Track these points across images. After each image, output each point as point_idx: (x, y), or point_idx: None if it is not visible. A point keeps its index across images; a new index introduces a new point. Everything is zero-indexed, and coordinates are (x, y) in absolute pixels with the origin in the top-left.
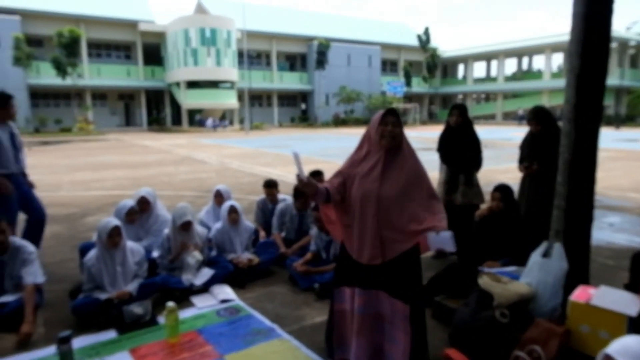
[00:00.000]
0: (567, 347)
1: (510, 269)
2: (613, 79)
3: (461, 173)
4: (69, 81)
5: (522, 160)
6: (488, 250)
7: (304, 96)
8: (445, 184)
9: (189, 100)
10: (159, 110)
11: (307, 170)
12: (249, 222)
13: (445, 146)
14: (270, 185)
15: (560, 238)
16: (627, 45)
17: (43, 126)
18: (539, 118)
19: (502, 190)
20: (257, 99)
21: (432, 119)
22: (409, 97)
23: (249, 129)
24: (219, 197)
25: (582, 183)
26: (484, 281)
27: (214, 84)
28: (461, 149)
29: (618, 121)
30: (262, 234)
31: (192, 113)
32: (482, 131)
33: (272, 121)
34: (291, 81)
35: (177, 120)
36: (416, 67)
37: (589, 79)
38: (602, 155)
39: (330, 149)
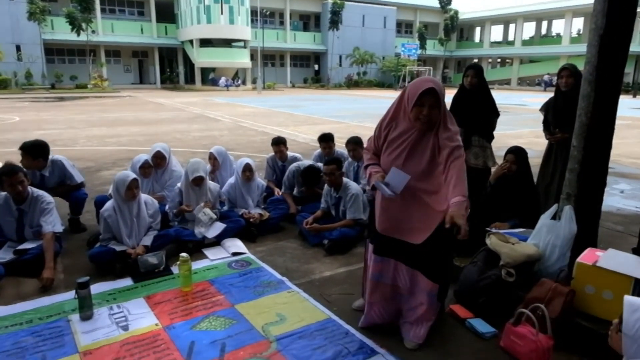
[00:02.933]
0: (570, 306)
1: (519, 230)
2: (634, 45)
3: (475, 135)
4: (83, 37)
5: (547, 126)
6: (498, 212)
7: (317, 57)
8: None
9: (201, 58)
10: (172, 68)
11: (317, 132)
12: (260, 179)
13: (459, 108)
14: (278, 143)
15: (571, 202)
16: None
17: (59, 82)
18: (572, 71)
19: (516, 152)
20: (270, 58)
21: (445, 82)
22: (422, 60)
23: (261, 88)
24: (213, 160)
25: (597, 147)
26: (492, 241)
27: (227, 43)
28: (476, 111)
29: (636, 89)
30: (276, 191)
31: (205, 72)
32: (497, 96)
33: (284, 81)
34: (304, 41)
35: (190, 79)
36: (432, 30)
37: (613, 40)
38: (617, 123)
39: (343, 111)
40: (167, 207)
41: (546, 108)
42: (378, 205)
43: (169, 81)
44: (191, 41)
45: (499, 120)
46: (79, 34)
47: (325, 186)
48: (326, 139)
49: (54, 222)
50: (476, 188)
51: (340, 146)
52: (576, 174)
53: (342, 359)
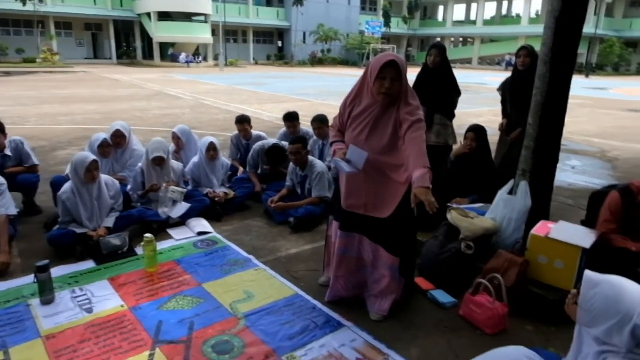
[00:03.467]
0: (524, 275)
1: (478, 205)
2: (588, 27)
3: (437, 113)
4: (29, 7)
5: (503, 103)
6: (459, 188)
7: (281, 33)
8: None
9: (160, 32)
10: (129, 42)
11: (282, 110)
12: (224, 158)
13: (422, 86)
14: (242, 121)
15: (526, 177)
16: None
17: (3, 55)
18: (529, 51)
19: (476, 130)
20: (232, 34)
21: (409, 60)
22: (386, 38)
23: (223, 65)
24: (177, 139)
25: (551, 125)
26: (452, 216)
27: (186, 16)
28: (438, 89)
29: (588, 69)
30: (240, 169)
31: (164, 47)
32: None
33: (247, 58)
34: (267, 17)
35: (148, 54)
36: (396, 7)
37: (567, 23)
38: (570, 102)
39: (307, 88)
40: (128, 187)
41: (503, 87)
42: (343, 182)
43: (126, 56)
44: (149, 14)
45: (460, 98)
46: (24, 3)
47: (291, 164)
48: (291, 118)
49: (6, 204)
50: (438, 165)
51: (305, 124)
52: (531, 150)
53: (309, 332)
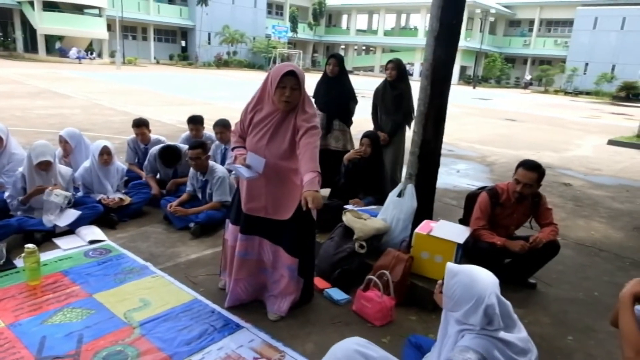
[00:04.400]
0: (409, 270)
1: (371, 207)
2: (475, 43)
3: (335, 119)
4: None
5: (374, 109)
6: (356, 191)
7: (184, 33)
8: (321, 130)
9: (45, 24)
10: (7, 33)
11: (185, 113)
12: (120, 162)
13: (321, 93)
14: (140, 125)
15: (412, 180)
16: (488, 13)
17: None
18: (395, 64)
19: (370, 136)
20: (130, 31)
21: (315, 66)
22: (293, 43)
23: (121, 63)
24: (64, 143)
25: (432, 133)
26: (347, 218)
27: (77, 8)
28: (337, 97)
29: (475, 81)
30: (142, 175)
31: (50, 40)
32: (361, 82)
33: (148, 57)
34: (170, 14)
35: (31, 47)
36: (303, 13)
37: (444, 42)
38: (458, 111)
39: (212, 91)
40: (5, 194)
41: (375, 94)
42: (244, 187)
43: (3, 48)
44: (31, 2)
45: (359, 106)
46: None
47: (191, 169)
48: (195, 121)
49: None
50: (338, 169)
51: (210, 128)
52: (416, 156)
53: (207, 336)
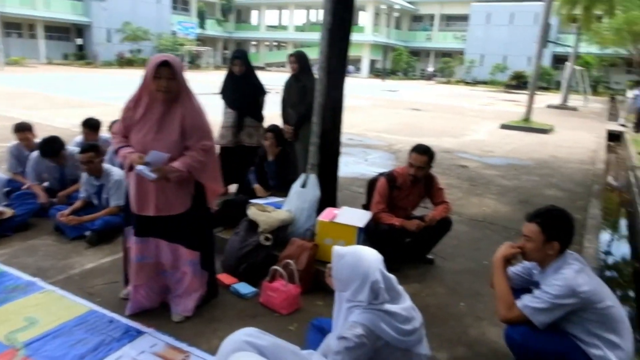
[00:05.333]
0: (314, 258)
1: (276, 199)
2: (382, 38)
3: (247, 116)
4: None
5: (284, 102)
6: (265, 185)
7: (80, 30)
8: (233, 127)
9: None
10: None
11: (80, 116)
12: (1, 172)
13: (230, 92)
14: (23, 129)
15: (315, 170)
16: (393, 9)
17: None
18: (297, 57)
19: (273, 130)
20: (14, 27)
21: (226, 63)
22: (202, 40)
23: (4, 64)
24: None
25: (331, 123)
26: (251, 212)
27: None
28: (246, 95)
29: (384, 74)
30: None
31: None
32: (273, 77)
33: (37, 56)
34: (61, 10)
35: None
36: (210, 9)
37: (337, 34)
38: (368, 103)
39: (112, 91)
40: None
41: (283, 88)
42: (132, 186)
43: None
44: None
45: (271, 100)
46: None
47: (84, 174)
48: (90, 125)
49: None
50: (252, 164)
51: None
52: (317, 146)
53: (105, 347)
